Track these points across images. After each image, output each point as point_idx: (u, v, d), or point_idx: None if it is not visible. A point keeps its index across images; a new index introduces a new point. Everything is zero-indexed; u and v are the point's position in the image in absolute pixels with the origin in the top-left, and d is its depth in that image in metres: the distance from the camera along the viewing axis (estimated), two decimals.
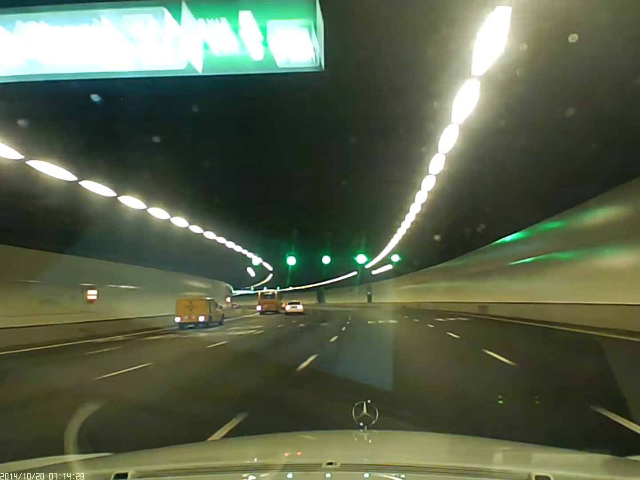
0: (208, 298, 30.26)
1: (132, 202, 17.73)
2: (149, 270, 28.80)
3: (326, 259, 37.19)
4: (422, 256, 35.55)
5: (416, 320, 25.82)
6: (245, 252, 40.14)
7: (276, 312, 51.15)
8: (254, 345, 16.07)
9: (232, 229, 28.29)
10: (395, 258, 38.32)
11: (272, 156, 14.91)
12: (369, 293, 72.56)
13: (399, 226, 27.84)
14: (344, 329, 20.81)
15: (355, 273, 58.39)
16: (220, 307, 32.10)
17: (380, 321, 26.08)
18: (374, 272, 54.14)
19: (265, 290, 60.49)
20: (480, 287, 29.56)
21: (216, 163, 14.66)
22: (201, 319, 26.43)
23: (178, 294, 30.92)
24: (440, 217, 22.66)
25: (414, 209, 22.17)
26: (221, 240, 31.13)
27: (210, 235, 28.19)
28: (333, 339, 15.90)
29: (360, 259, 36.25)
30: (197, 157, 14.17)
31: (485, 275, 28.37)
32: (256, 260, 45.74)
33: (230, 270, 48.88)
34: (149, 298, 28.75)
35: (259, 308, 53.67)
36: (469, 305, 30.07)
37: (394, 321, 26.14)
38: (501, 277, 25.81)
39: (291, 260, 36.54)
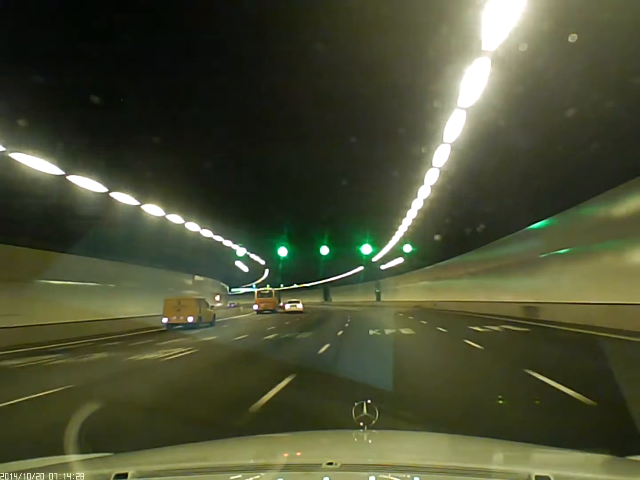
0: (199, 297, 28.75)
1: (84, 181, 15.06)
2: (105, 263, 24.39)
3: (324, 250, 32.69)
4: (438, 248, 30.88)
5: (442, 329, 18.04)
6: (228, 243, 36.09)
7: (273, 311, 49.21)
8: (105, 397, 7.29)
9: (214, 218, 26.04)
10: (407, 248, 32.80)
11: (263, 135, 13.96)
12: (377, 291, 65.92)
13: (408, 211, 24.39)
14: (326, 347, 13.15)
15: (361, 268, 54.84)
16: (212, 306, 30.42)
17: (387, 330, 18.18)
18: (382, 267, 49.47)
19: (261, 288, 57.47)
20: (521, 283, 22.82)
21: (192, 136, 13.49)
22: (190, 319, 25.40)
23: (150, 291, 28.66)
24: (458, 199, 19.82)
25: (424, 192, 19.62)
26: (195, 228, 27.89)
27: (185, 223, 25.77)
28: (284, 383, 7.58)
29: (366, 249, 32.02)
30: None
31: (529, 268, 21.47)
32: (241, 251, 40.30)
33: (216, 265, 44.38)
34: (102, 297, 24.01)
35: (255, 307, 51.15)
36: (506, 306, 23.25)
37: (407, 331, 18.00)
38: (552, 270, 19.25)
39: (282, 252, 32.89)
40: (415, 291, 46.74)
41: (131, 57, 9.22)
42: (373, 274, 55.62)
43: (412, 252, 33.27)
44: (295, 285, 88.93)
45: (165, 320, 25.50)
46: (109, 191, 17.15)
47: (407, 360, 10.63)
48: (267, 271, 72.33)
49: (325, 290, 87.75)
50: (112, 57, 9.17)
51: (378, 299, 65.24)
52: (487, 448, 2.21)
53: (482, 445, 2.29)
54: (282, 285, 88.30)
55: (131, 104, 10.89)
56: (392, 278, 54.60)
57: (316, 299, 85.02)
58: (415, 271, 43.92)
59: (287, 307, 50.06)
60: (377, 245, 34.77)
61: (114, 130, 12.25)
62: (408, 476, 1.60)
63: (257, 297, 52.49)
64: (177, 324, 25.13)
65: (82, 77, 9.56)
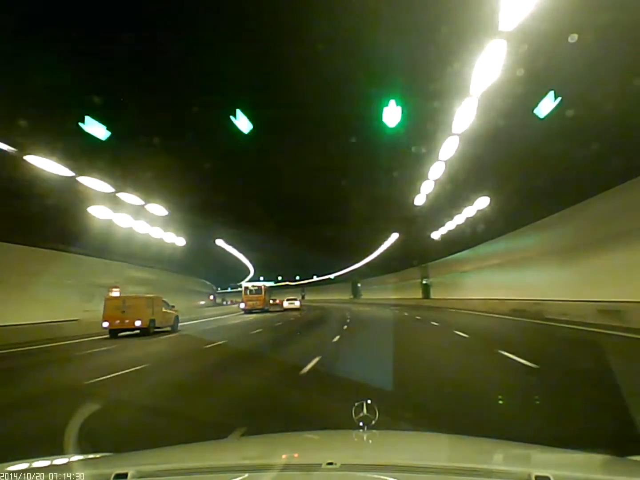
0: (153, 295, 22.63)
1: None
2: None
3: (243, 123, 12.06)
4: None
5: None
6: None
7: (263, 310, 44.71)
8: None
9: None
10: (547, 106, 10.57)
11: None
12: (424, 282, 43.11)
13: None
14: None
15: (396, 237, 32.83)
16: (173, 306, 24.02)
17: None
18: (434, 236, 28.40)
19: (249, 284, 51.32)
20: None
21: None
22: (137, 323, 20.22)
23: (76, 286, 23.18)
24: None
25: None
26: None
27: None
28: None
29: (390, 118, 11.58)
30: None
31: None
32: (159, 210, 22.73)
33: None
34: None
35: (242, 305, 46.49)
36: None
37: None
38: None
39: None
40: (517, 284, 23.06)
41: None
42: (421, 252, 35.45)
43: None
44: (315, 278, 76.47)
45: (105, 324, 20.46)
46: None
47: None
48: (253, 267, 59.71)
49: (354, 284, 71.92)
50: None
51: (426, 295, 42.69)
52: (487, 448, 2.21)
53: (482, 445, 2.29)
54: (297, 277, 77.51)
55: None
56: (458, 257, 31.55)
57: (344, 295, 72.83)
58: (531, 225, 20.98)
59: (286, 304, 49.82)
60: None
61: None
62: (408, 476, 1.60)
63: (245, 294, 47.29)
64: (122, 330, 20.46)
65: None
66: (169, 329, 22.57)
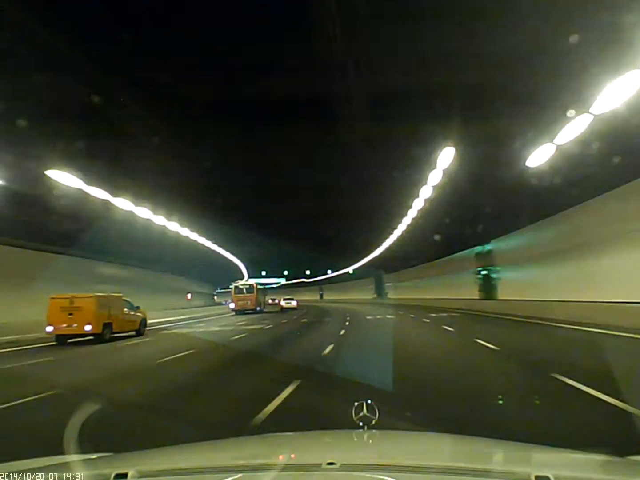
0: (110, 294, 19.03)
1: None
2: None
3: None
4: None
5: None
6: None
7: (255, 310, 41.89)
8: None
9: None
10: None
11: None
12: (483, 273, 28.59)
13: None
14: None
15: (449, 161, 14.04)
16: (137, 307, 20.63)
17: None
18: (532, 161, 12.99)
19: (240, 282, 47.07)
20: None
21: None
22: (87, 328, 17.10)
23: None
24: None
25: None
26: None
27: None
28: None
29: None
30: None
31: None
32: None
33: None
34: None
35: (231, 306, 43.42)
36: None
37: None
38: None
39: None
40: None
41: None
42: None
43: None
44: (330, 273, 67.96)
45: (49, 329, 17.33)
46: None
47: None
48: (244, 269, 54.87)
49: (377, 279, 59.81)
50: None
51: (489, 294, 27.84)
52: (487, 448, 2.21)
53: (482, 445, 2.29)
54: (308, 271, 69.54)
55: None
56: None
57: (366, 294, 62.22)
58: None
59: (283, 303, 50.60)
60: None
61: None
62: (408, 476, 1.60)
63: (235, 293, 43.45)
64: (70, 336, 17.47)
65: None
66: (133, 333, 19.81)
